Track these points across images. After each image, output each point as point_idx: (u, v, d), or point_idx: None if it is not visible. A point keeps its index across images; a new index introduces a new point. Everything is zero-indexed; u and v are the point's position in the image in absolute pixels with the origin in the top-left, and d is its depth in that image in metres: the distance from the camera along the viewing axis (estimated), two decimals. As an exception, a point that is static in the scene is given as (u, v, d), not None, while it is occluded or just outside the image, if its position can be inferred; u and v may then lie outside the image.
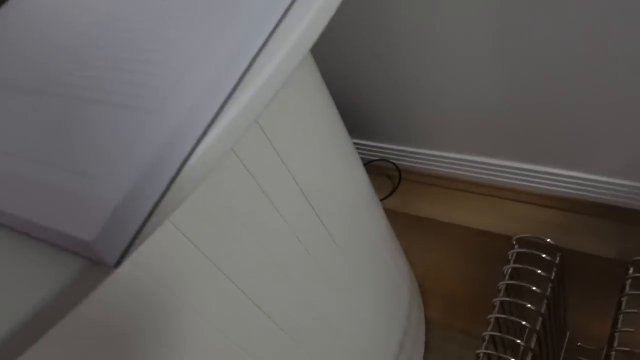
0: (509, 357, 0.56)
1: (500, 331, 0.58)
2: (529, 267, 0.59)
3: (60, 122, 0.31)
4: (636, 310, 0.59)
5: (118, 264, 0.26)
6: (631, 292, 0.60)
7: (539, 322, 0.59)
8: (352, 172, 0.63)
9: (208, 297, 0.42)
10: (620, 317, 0.60)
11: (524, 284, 0.59)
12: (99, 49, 0.36)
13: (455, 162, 1.07)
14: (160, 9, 0.37)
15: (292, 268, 0.52)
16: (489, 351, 0.57)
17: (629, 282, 0.61)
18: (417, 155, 1.12)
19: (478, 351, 0.58)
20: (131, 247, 0.26)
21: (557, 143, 0.91)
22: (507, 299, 0.59)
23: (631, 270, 0.62)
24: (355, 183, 0.65)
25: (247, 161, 0.43)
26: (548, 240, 0.61)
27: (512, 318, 0.58)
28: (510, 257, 0.63)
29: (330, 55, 1.01)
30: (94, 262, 0.26)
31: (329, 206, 0.57)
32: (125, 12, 0.39)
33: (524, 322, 0.57)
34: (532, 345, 0.57)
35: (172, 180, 0.27)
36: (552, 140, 0.91)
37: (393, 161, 1.18)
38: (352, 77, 1.03)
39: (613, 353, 0.57)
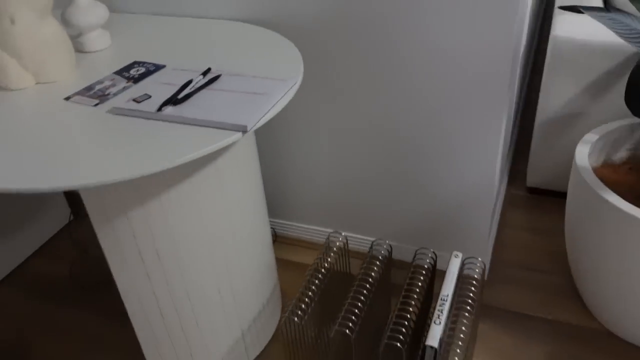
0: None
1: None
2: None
3: (237, 100, 1.06)
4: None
5: (244, 133, 1.00)
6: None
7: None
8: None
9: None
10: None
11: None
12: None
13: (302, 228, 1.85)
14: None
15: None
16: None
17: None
18: (285, 225, 1.88)
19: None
20: (249, 131, 1.00)
21: (362, 216, 1.74)
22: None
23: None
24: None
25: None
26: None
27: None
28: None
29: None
30: (242, 132, 0.99)
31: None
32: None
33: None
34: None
35: (260, 119, 1.03)
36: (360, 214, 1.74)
37: (273, 227, 1.93)
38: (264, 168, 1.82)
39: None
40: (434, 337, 1.15)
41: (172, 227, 1.17)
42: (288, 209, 1.88)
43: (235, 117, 1.01)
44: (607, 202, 1.29)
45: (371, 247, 1.44)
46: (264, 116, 1.03)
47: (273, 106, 1.06)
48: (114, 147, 0.97)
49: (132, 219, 1.13)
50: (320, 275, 1.38)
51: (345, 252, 1.49)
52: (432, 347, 1.14)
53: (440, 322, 1.18)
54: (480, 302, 1.48)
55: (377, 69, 1.45)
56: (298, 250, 1.87)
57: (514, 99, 1.83)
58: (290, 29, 1.47)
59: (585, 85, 1.75)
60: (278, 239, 1.93)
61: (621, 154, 1.60)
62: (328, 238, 1.47)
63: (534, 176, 2.01)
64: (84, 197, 1.12)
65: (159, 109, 1.06)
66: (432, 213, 1.66)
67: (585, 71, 1.72)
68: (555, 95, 1.81)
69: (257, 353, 1.54)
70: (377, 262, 1.40)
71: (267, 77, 1.15)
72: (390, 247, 1.44)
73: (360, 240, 1.83)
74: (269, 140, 1.74)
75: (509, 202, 2.02)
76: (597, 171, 1.53)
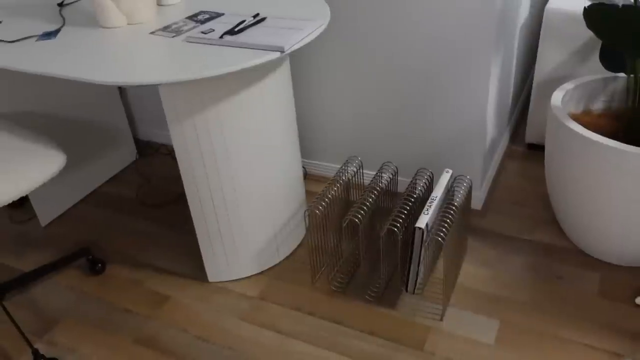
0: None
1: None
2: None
3: (278, 32, 1.43)
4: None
5: (282, 53, 1.36)
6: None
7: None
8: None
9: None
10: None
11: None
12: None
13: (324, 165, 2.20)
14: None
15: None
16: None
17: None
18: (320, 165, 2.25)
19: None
20: (285, 51, 1.37)
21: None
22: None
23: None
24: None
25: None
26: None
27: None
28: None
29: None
30: (280, 52, 1.35)
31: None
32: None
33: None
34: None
35: (294, 45, 1.39)
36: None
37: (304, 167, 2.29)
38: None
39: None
40: (422, 222, 1.49)
41: (225, 134, 1.54)
42: (317, 150, 2.24)
43: (275, 41, 1.38)
44: (573, 131, 1.59)
45: (381, 166, 1.79)
46: (297, 43, 1.40)
47: (305, 37, 1.43)
48: (186, 61, 1.35)
49: (197, 123, 1.51)
50: (337, 185, 1.73)
51: (360, 170, 1.84)
52: (420, 228, 1.48)
53: (428, 213, 1.51)
54: (468, 212, 1.80)
55: (389, 24, 1.80)
56: (323, 185, 2.23)
57: (513, 59, 2.14)
58: (323, -8, 1.84)
59: (573, 50, 2.05)
60: (308, 177, 2.30)
61: (598, 105, 1.89)
62: (347, 160, 1.82)
63: (532, 133, 2.31)
64: (163, 97, 1.50)
65: (221, 37, 1.44)
66: (433, 148, 1.99)
67: (574, 38, 2.02)
68: (549, 60, 2.11)
69: (286, 254, 1.90)
70: (384, 176, 1.75)
71: (302, 19, 1.52)
72: (396, 167, 1.78)
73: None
74: (301, 90, 2.11)
75: (509, 155, 2.33)
76: (576, 118, 1.83)
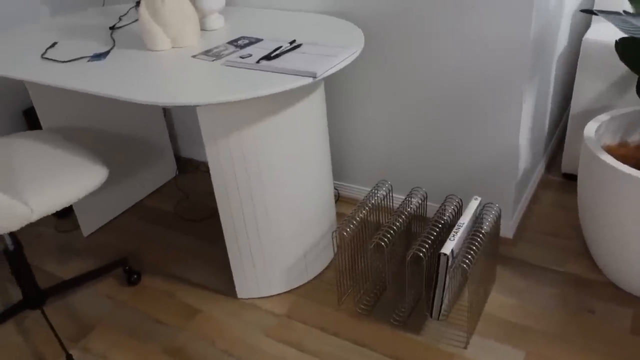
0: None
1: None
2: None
3: (313, 58, 1.48)
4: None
5: (314, 78, 1.41)
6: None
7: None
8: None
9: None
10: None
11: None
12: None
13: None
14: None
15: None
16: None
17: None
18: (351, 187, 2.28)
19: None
20: (317, 77, 1.42)
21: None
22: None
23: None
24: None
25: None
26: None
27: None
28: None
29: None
30: (313, 77, 1.41)
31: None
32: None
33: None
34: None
35: (327, 70, 1.44)
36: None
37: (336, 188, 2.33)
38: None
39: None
40: (447, 248, 1.50)
41: (258, 155, 1.60)
42: (349, 173, 2.28)
43: (309, 67, 1.44)
44: (604, 162, 1.58)
45: (411, 191, 1.81)
46: (330, 69, 1.45)
47: (338, 64, 1.48)
48: (223, 84, 1.42)
49: (231, 144, 1.58)
50: (366, 207, 1.76)
51: (390, 194, 1.86)
52: (444, 254, 1.49)
53: (454, 239, 1.52)
54: (497, 240, 1.79)
55: (421, 51, 1.83)
56: (354, 207, 2.26)
57: (549, 89, 2.14)
58: (358, 18, 1.90)
59: (611, 81, 2.03)
60: (340, 199, 2.33)
61: (635, 137, 1.87)
62: (377, 184, 1.85)
63: (568, 163, 2.29)
64: (200, 117, 1.57)
65: (258, 62, 1.50)
66: (464, 176, 2.00)
67: (611, 70, 2.01)
68: (586, 91, 2.10)
69: (315, 274, 1.93)
70: (413, 201, 1.77)
71: (336, 46, 1.57)
72: (426, 193, 1.80)
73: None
74: (335, 114, 2.16)
75: (544, 185, 2.31)
76: (612, 150, 1.81)
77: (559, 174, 2.38)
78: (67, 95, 2.09)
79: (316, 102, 1.70)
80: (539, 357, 1.55)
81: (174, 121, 2.72)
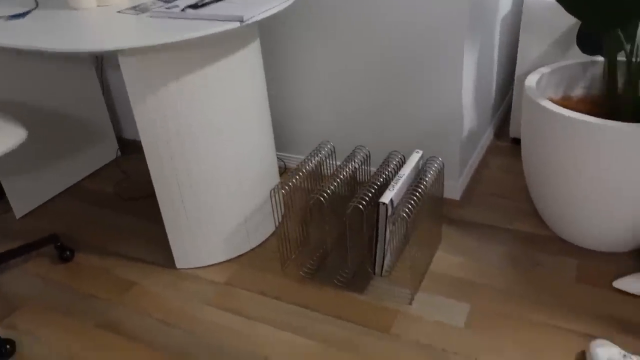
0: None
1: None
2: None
3: (240, 6, 1.42)
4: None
5: (241, 23, 1.35)
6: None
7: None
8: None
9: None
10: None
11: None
12: (235, 2, 1.48)
13: (315, 162, 2.17)
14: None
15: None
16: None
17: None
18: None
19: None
20: (244, 22, 1.36)
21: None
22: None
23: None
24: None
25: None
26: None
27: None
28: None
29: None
30: (239, 22, 1.34)
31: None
32: (239, 0, 1.52)
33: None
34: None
35: (253, 17, 1.38)
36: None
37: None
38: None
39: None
40: (386, 197, 1.44)
41: (189, 111, 1.52)
42: (295, 143, 2.21)
43: (236, 12, 1.37)
44: (545, 108, 1.55)
45: (353, 150, 1.75)
46: (258, 15, 1.39)
47: (267, 10, 1.42)
48: (147, 31, 1.34)
49: (160, 99, 1.49)
50: (308, 166, 1.70)
51: (333, 154, 1.80)
52: (383, 203, 1.43)
53: (393, 189, 1.47)
54: (441, 198, 1.75)
55: (363, 12, 1.79)
56: (303, 179, 2.19)
57: (494, 53, 2.12)
58: (296, -22, 1.84)
59: (554, 39, 2.02)
60: (287, 170, 2.26)
61: (578, 91, 1.86)
62: (319, 144, 1.79)
63: (516, 128, 2.27)
64: (124, 71, 1.48)
65: (183, 10, 1.43)
66: (409, 135, 1.96)
67: (554, 28, 2.00)
68: (530, 51, 2.09)
69: (258, 243, 1.85)
70: (356, 160, 1.71)
71: (266, -5, 1.52)
72: (369, 151, 1.74)
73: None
74: (279, 84, 2.09)
75: (492, 151, 2.29)
76: (555, 103, 1.79)
77: (508, 140, 2.36)
78: (-9, 67, 1.97)
79: (251, 56, 1.63)
80: (484, 309, 1.51)
81: (115, 102, 2.61)
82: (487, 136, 2.29)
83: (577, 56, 2.01)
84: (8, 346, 1.51)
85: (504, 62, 2.38)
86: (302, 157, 2.23)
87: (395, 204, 1.47)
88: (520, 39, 2.09)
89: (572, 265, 1.63)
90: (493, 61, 2.16)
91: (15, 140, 1.46)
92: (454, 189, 1.97)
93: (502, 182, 2.07)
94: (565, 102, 1.81)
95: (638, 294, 1.49)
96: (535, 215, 1.87)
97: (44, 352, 1.51)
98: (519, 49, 2.11)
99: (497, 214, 1.89)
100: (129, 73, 1.47)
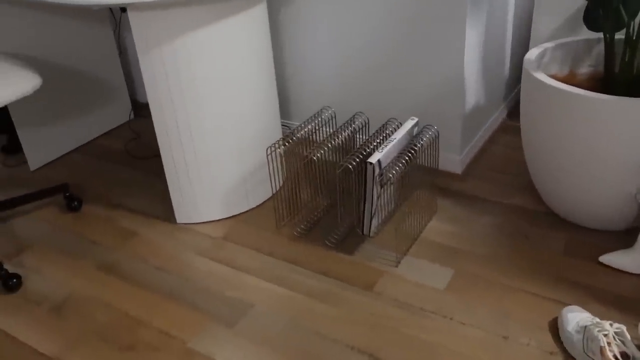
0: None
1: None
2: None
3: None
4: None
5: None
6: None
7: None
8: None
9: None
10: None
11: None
12: None
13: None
14: None
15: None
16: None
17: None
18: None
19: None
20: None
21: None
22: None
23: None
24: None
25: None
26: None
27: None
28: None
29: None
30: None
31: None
32: None
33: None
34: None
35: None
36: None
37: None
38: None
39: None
40: (374, 158, 1.48)
41: (193, 65, 1.58)
42: (300, 111, 2.26)
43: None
44: (542, 82, 1.56)
45: (353, 116, 1.79)
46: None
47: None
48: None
49: (164, 53, 1.55)
50: (307, 128, 1.74)
51: (333, 119, 1.84)
52: (370, 163, 1.47)
53: (382, 151, 1.50)
54: (436, 168, 1.77)
55: (371, -23, 1.81)
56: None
57: (506, 29, 2.11)
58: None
59: (566, 17, 2.01)
60: (293, 139, 2.31)
61: (584, 69, 1.85)
62: (320, 109, 1.83)
63: (523, 107, 2.26)
64: (133, 25, 1.54)
65: (188, -34, 1.48)
66: (410, 108, 1.98)
67: (568, 5, 1.99)
68: (543, 29, 2.08)
69: (257, 203, 1.91)
70: (354, 125, 1.75)
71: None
72: (367, 118, 1.78)
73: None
74: (283, 51, 2.14)
75: (503, 129, 2.29)
76: (559, 80, 1.79)
77: (519, 119, 2.36)
78: (10, 20, 2.06)
79: (256, 15, 1.67)
80: (467, 274, 1.53)
81: (131, 65, 2.69)
82: (499, 114, 2.30)
83: (590, 34, 2.00)
84: (15, 280, 1.60)
85: (522, 43, 2.37)
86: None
87: (383, 165, 1.50)
88: (533, 18, 2.08)
89: (561, 239, 1.64)
90: (506, 39, 2.16)
91: (31, 85, 1.54)
92: (455, 163, 1.99)
93: (506, 159, 2.08)
94: (570, 80, 1.80)
95: (622, 270, 1.50)
96: (533, 191, 1.88)
97: (47, 287, 1.60)
98: (532, 29, 2.11)
99: (496, 189, 1.90)
100: (138, 28, 1.53)
